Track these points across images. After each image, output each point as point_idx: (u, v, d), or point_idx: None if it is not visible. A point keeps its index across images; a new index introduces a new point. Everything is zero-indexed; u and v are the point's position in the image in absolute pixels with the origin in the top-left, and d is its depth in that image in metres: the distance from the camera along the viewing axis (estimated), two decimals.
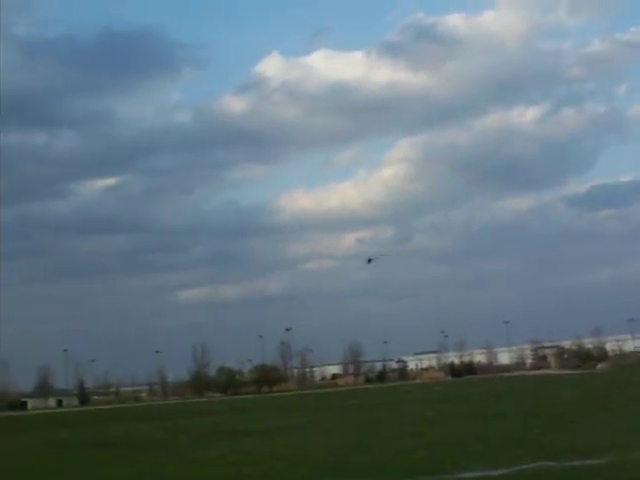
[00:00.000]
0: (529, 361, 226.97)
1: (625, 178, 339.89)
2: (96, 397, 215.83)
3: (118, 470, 29.25)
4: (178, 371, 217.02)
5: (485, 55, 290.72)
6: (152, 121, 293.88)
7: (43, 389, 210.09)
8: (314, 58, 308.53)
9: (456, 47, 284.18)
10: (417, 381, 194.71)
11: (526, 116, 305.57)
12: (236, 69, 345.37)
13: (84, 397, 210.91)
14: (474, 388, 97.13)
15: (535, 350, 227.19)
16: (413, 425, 39.47)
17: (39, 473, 30.94)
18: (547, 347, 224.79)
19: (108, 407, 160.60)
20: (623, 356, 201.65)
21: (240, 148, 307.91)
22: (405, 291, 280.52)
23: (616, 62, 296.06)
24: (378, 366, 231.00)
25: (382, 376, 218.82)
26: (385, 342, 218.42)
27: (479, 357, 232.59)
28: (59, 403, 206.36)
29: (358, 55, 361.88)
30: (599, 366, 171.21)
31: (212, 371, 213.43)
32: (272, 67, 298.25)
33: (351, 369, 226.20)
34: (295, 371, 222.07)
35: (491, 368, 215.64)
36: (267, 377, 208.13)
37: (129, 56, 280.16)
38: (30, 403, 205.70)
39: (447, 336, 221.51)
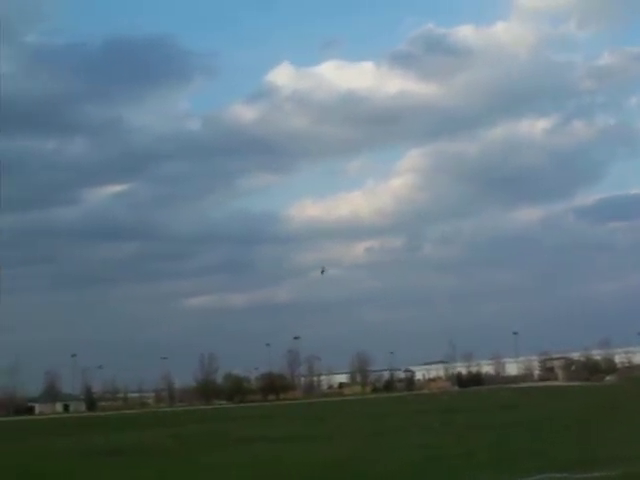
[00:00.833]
0: (537, 372, 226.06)
1: (635, 190, 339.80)
2: (103, 403, 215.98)
3: (125, 477, 29.25)
4: (185, 378, 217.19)
5: (496, 66, 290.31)
6: (162, 129, 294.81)
7: (50, 394, 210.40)
8: (325, 68, 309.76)
9: (467, 58, 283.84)
10: (424, 391, 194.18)
11: (536, 127, 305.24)
12: (247, 78, 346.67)
13: (91, 402, 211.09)
14: (482, 399, 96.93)
15: (543, 361, 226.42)
16: (420, 435, 39.37)
17: (45, 478, 30.95)
18: (555, 358, 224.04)
19: (115, 413, 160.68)
20: (632, 368, 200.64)
21: (250, 157, 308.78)
22: (413, 301, 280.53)
23: (626, 75, 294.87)
24: (385, 375, 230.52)
25: (389, 386, 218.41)
26: (392, 352, 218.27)
27: (486, 368, 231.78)
28: (66, 408, 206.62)
29: (368, 65, 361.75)
30: (607, 378, 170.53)
31: (219, 378, 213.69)
32: (283, 76, 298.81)
33: (358, 378, 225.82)
34: (302, 379, 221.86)
35: (498, 379, 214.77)
36: (274, 385, 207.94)
37: (140, 64, 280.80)
38: (37, 408, 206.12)
39: (455, 346, 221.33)
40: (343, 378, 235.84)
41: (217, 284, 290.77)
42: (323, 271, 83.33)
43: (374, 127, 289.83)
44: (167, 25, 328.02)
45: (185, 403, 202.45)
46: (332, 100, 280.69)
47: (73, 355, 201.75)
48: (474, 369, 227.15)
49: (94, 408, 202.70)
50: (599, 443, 30.45)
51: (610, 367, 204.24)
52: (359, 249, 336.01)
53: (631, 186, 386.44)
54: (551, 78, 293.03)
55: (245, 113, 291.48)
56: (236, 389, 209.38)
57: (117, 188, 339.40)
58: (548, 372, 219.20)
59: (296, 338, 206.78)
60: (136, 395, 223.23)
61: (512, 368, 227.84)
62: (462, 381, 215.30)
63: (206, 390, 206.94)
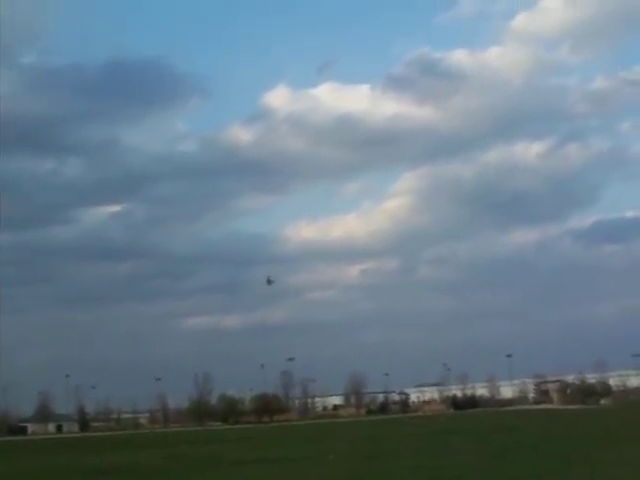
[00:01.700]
0: (531, 395, 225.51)
1: (630, 213, 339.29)
2: (96, 423, 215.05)
3: None
4: (179, 399, 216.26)
5: (490, 90, 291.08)
6: (159, 149, 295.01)
7: (43, 414, 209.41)
8: (320, 90, 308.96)
9: (461, 82, 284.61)
10: (419, 413, 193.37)
11: (530, 151, 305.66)
12: (243, 100, 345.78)
13: (84, 423, 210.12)
14: (477, 421, 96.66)
15: (538, 384, 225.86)
16: (414, 458, 39.21)
17: None
18: (550, 381, 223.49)
19: (108, 433, 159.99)
20: (627, 392, 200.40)
21: (246, 178, 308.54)
22: (408, 322, 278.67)
23: (620, 99, 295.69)
24: (380, 398, 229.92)
25: (384, 408, 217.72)
26: (387, 374, 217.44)
27: (481, 390, 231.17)
28: (59, 428, 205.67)
29: (364, 88, 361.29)
30: (602, 402, 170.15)
31: (214, 399, 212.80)
32: (279, 98, 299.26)
33: (353, 400, 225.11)
34: (296, 401, 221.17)
35: (493, 402, 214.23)
36: (268, 406, 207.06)
37: (136, 85, 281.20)
38: (30, 428, 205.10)
39: (449, 369, 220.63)
40: (337, 400, 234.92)
41: (212, 305, 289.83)
42: (269, 281, 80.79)
43: (370, 149, 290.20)
44: (164, 47, 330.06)
45: (179, 424, 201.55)
46: (328, 122, 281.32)
47: (67, 375, 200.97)
48: (469, 392, 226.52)
49: (87, 429, 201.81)
50: (595, 466, 30.34)
51: (605, 390, 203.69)
52: (354, 271, 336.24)
53: (626, 209, 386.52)
54: (545, 102, 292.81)
55: (241, 135, 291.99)
56: (230, 410, 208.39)
57: (113, 208, 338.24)
58: (543, 395, 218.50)
59: (290, 359, 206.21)
60: (130, 416, 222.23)
61: (507, 391, 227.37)
62: (457, 404, 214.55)
63: (200, 411, 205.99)
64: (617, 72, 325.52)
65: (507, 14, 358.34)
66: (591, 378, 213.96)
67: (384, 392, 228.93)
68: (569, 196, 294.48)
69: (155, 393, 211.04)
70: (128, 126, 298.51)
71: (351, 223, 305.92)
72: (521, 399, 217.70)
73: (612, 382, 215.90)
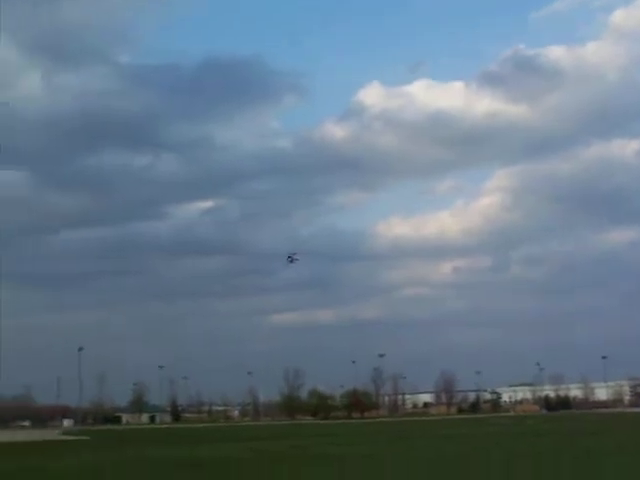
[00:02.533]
0: (627, 398, 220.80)
1: None
2: (188, 415, 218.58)
3: None
4: (270, 393, 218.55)
5: (586, 86, 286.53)
6: (252, 147, 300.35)
7: (137, 405, 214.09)
8: (414, 87, 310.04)
9: (557, 78, 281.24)
10: (510, 413, 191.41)
11: (627, 148, 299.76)
12: (336, 97, 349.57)
13: (177, 414, 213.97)
14: (568, 423, 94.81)
15: (634, 387, 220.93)
16: (499, 460, 38.66)
17: None
18: None
19: (200, 425, 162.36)
20: None
21: (339, 174, 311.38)
22: (500, 321, 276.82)
23: None
24: (471, 396, 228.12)
25: (475, 407, 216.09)
26: (478, 372, 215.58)
27: (575, 392, 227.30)
28: (152, 419, 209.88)
29: (458, 85, 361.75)
30: None
31: (304, 394, 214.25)
32: (372, 96, 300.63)
33: (443, 398, 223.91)
34: (386, 398, 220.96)
35: (587, 404, 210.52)
36: (358, 403, 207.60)
37: (230, 84, 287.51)
38: (124, 418, 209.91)
39: (543, 369, 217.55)
40: (428, 397, 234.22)
41: (303, 300, 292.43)
42: (291, 259, 74.49)
43: (463, 146, 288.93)
44: (257, 45, 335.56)
45: (269, 418, 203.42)
46: (421, 119, 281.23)
47: (160, 367, 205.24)
48: (562, 393, 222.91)
49: (179, 420, 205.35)
50: None
51: None
52: (446, 268, 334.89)
53: None
54: None
55: (335, 132, 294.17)
56: (320, 406, 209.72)
57: (205, 204, 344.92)
58: (639, 398, 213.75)
59: (381, 356, 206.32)
60: (221, 408, 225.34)
61: (602, 393, 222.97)
62: (550, 404, 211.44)
63: (290, 406, 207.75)
64: None
65: (605, 9, 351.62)
66: None
67: (476, 390, 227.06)
68: None
69: (246, 387, 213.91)
70: (222, 123, 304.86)
71: (444, 220, 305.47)
72: (616, 401, 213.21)
73: None
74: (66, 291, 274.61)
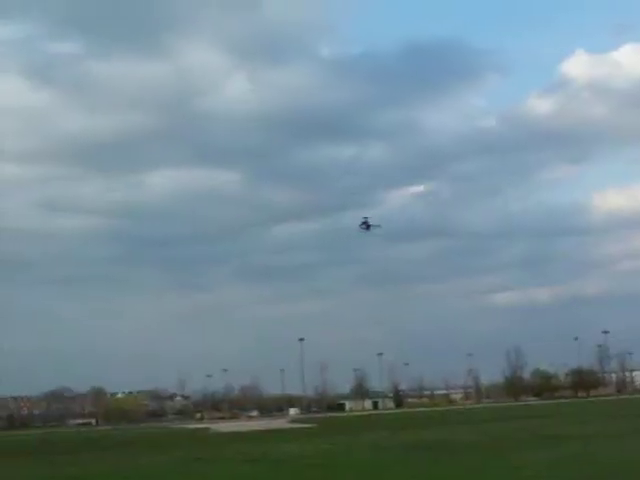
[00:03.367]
0: None
1: None
2: (410, 400, 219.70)
3: (441, 472, 29.17)
4: (492, 374, 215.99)
5: None
6: (458, 128, 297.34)
7: (359, 391, 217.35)
8: (621, 53, 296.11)
9: None
10: None
11: None
12: (539, 70, 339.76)
13: (399, 399, 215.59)
14: None
15: None
16: None
17: (371, 469, 31.58)
18: None
19: (423, 410, 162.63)
20: None
21: (548, 149, 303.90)
22: None
23: None
24: None
25: None
26: None
27: None
28: (375, 405, 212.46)
29: None
30: None
31: (527, 375, 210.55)
32: (577, 65, 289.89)
33: None
34: (613, 375, 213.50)
35: None
36: (583, 381, 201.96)
37: (433, 67, 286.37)
38: (347, 405, 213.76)
39: None
40: None
41: (520, 279, 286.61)
42: (367, 225, 69.26)
43: None
44: (457, 26, 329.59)
45: (492, 400, 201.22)
46: (632, 86, 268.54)
47: (379, 353, 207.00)
48: None
49: (401, 405, 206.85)
50: None
51: None
52: None
53: None
54: None
55: (540, 106, 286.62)
56: (544, 385, 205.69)
57: (416, 189, 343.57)
58: None
59: (605, 332, 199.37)
60: (442, 392, 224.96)
61: None
62: None
63: (513, 387, 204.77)
64: None
65: None
66: None
67: None
68: None
69: (467, 369, 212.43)
70: (426, 107, 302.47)
71: None
72: None
73: None
74: (285, 283, 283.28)
